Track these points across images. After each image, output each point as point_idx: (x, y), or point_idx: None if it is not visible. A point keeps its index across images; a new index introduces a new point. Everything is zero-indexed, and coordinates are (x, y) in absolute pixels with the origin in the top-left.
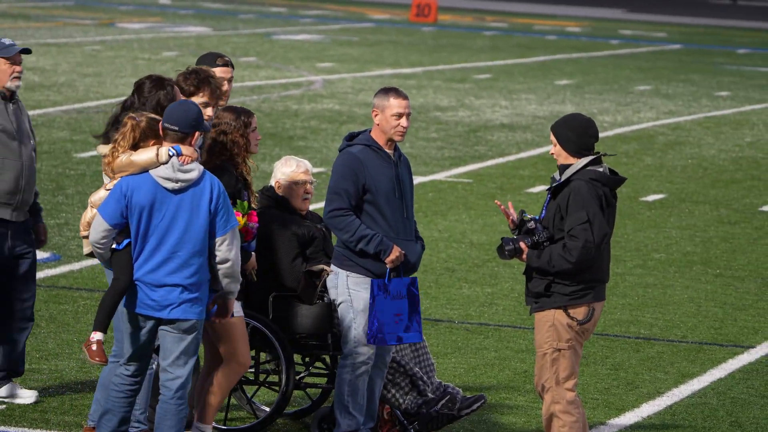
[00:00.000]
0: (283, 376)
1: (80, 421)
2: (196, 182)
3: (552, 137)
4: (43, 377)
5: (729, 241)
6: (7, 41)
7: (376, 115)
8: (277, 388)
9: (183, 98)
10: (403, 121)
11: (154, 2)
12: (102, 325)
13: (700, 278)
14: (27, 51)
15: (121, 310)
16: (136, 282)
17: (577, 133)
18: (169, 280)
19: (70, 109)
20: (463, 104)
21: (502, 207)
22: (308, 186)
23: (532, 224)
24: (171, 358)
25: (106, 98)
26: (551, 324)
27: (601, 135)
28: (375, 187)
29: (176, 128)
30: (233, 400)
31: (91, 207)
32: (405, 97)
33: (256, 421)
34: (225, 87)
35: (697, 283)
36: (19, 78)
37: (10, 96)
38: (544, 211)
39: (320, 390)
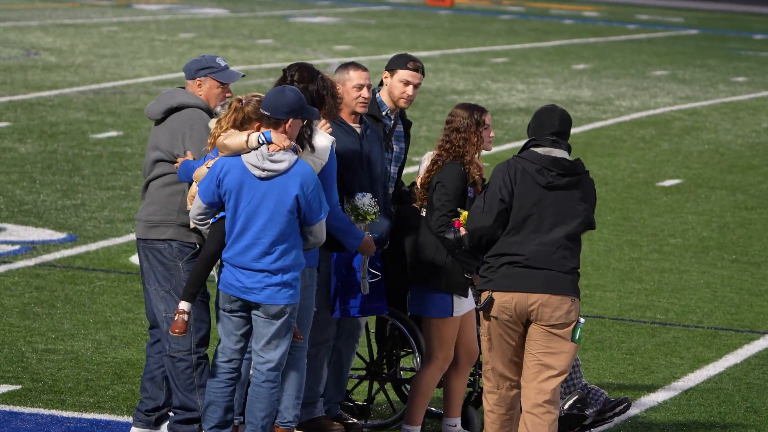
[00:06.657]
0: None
1: (96, 401)
2: (285, 171)
3: None
4: (59, 357)
5: (745, 226)
6: (222, 62)
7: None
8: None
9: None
10: (364, 92)
11: None
12: (188, 294)
13: (717, 263)
14: (242, 75)
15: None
16: (225, 263)
17: (536, 122)
18: (255, 266)
19: (87, 90)
20: (480, 88)
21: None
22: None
23: None
24: (262, 342)
25: (123, 79)
26: None
27: (618, 120)
28: (342, 161)
29: (268, 114)
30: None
31: (195, 182)
32: (365, 69)
33: (395, 416)
34: (411, 92)
35: (714, 268)
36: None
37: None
38: None
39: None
